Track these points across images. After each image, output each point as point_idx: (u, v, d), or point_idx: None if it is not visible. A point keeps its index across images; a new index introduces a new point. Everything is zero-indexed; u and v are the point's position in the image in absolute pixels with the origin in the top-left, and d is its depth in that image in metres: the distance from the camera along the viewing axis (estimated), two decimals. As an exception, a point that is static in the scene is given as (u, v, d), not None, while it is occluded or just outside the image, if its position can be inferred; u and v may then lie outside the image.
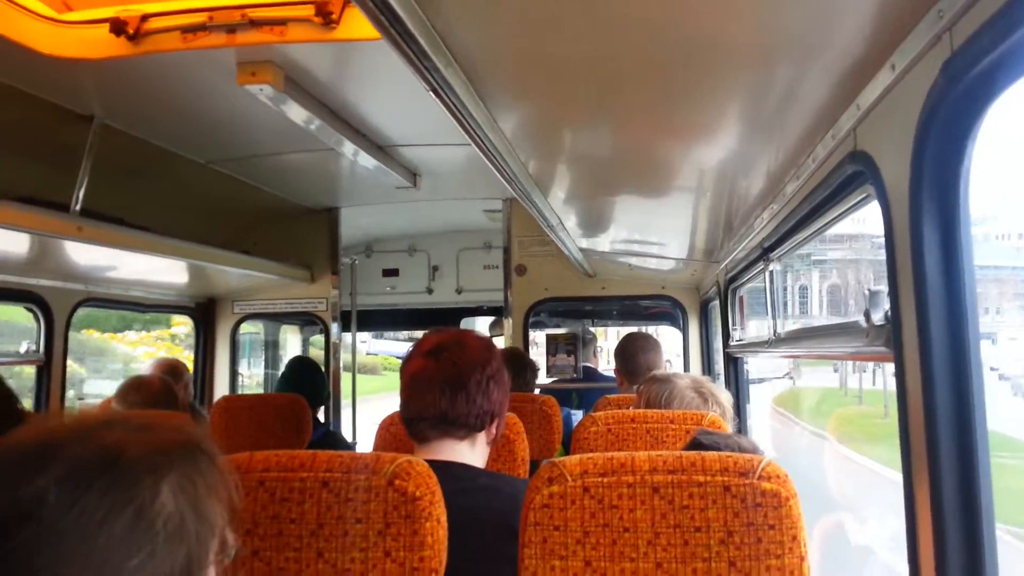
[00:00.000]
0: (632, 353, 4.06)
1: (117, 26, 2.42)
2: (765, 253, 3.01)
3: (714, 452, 1.48)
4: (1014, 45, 1.03)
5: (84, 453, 0.90)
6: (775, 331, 3.10)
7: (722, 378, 4.47)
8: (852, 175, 1.78)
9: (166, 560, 0.91)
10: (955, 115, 1.25)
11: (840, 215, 2.11)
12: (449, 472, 1.54)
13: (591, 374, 5.61)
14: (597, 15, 1.41)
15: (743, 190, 2.83)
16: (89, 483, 0.87)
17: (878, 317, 1.64)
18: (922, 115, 1.30)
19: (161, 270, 4.28)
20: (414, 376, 1.94)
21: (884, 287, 1.56)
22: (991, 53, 1.08)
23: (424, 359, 1.94)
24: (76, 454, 0.89)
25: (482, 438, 1.96)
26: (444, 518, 1.50)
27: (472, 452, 1.94)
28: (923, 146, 1.32)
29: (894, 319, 1.52)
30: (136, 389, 3.52)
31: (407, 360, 2.01)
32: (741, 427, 3.82)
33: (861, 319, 1.72)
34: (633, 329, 5.21)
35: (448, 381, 1.90)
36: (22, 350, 3.92)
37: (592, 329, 6.52)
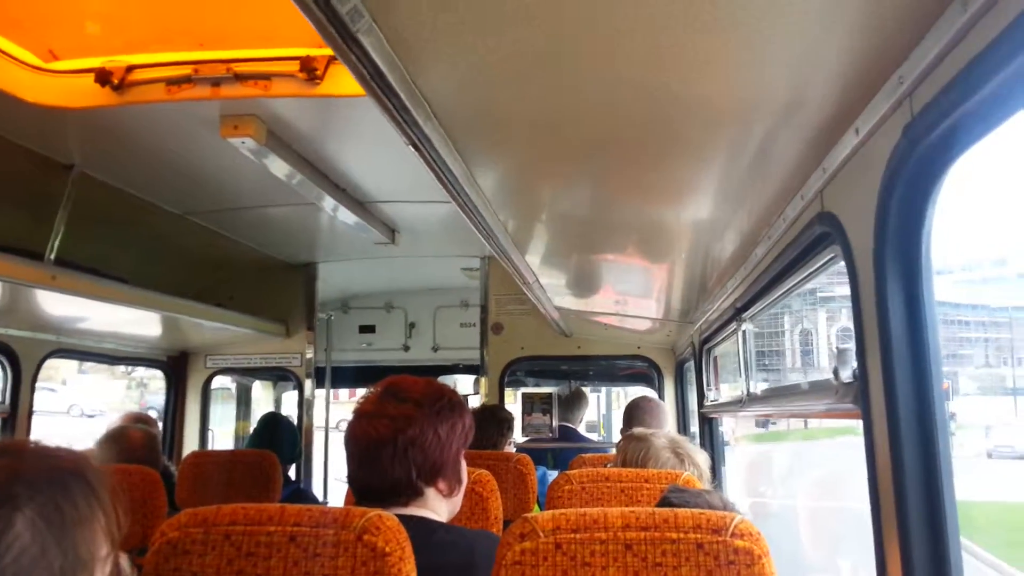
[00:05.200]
0: (632, 417, 4.05)
1: (102, 76, 2.46)
2: (738, 313, 3.05)
3: (687, 509, 1.47)
4: (972, 109, 1.08)
5: None
6: (747, 391, 3.12)
7: (697, 439, 4.46)
8: (819, 236, 1.83)
9: None
10: (917, 177, 1.29)
11: (809, 275, 2.15)
12: (405, 526, 1.50)
13: (569, 434, 5.56)
14: (576, 75, 1.46)
15: (717, 252, 2.88)
16: None
17: (846, 375, 1.66)
18: (885, 177, 1.34)
19: (134, 321, 4.23)
20: (346, 442, 1.88)
21: (852, 345, 1.59)
22: (950, 117, 1.12)
23: (355, 423, 1.87)
24: None
25: (432, 495, 1.86)
26: (414, 574, 1.47)
27: (426, 510, 1.86)
28: (886, 207, 1.35)
29: (861, 376, 1.54)
30: (116, 440, 3.43)
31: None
32: (719, 488, 3.80)
33: (830, 377, 1.74)
34: (611, 388, 5.19)
35: (364, 454, 1.83)
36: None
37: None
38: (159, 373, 5.34)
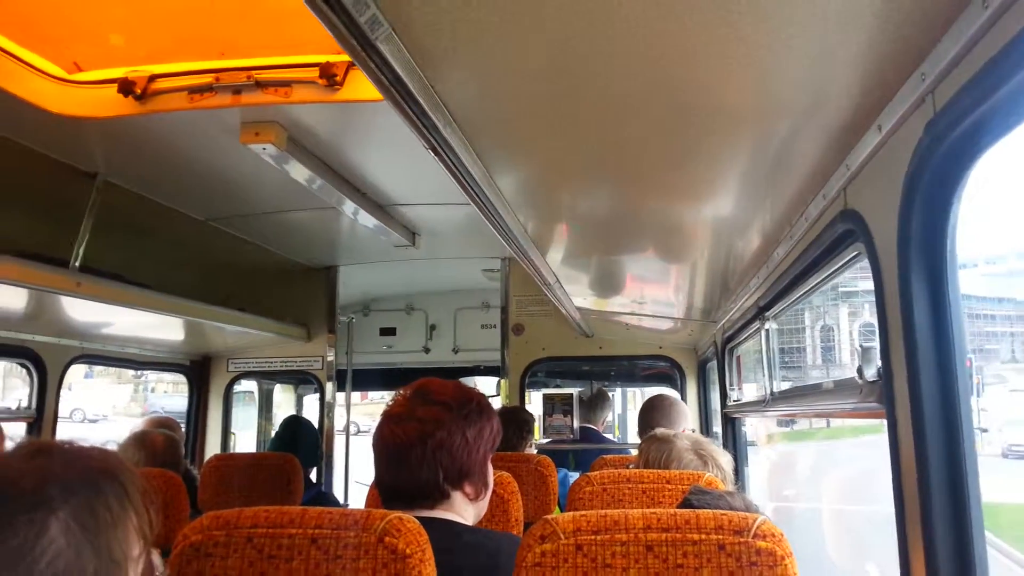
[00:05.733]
0: (648, 417, 3.99)
1: (125, 86, 2.49)
2: (760, 312, 3.02)
3: (708, 510, 1.47)
4: (994, 106, 1.07)
5: None
6: (771, 390, 3.10)
7: (720, 440, 4.43)
8: (843, 234, 1.81)
9: None
10: (940, 174, 1.27)
11: (832, 273, 2.13)
12: (431, 528, 1.51)
13: (590, 435, 5.54)
14: (594, 78, 1.45)
15: (739, 250, 2.86)
16: None
17: (871, 373, 1.64)
18: (908, 174, 1.33)
19: (157, 327, 4.28)
20: (374, 444, 1.90)
21: (876, 343, 1.57)
22: (972, 113, 1.11)
23: (383, 425, 1.89)
24: None
25: (458, 498, 1.87)
26: (435, 576, 1.47)
27: (452, 513, 1.87)
28: (910, 204, 1.34)
29: (885, 375, 1.53)
30: (139, 444, 3.47)
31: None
32: (741, 489, 3.77)
33: (855, 375, 1.73)
34: (632, 389, 5.13)
35: (391, 456, 1.84)
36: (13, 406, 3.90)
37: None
38: (165, 377, 5.41)
